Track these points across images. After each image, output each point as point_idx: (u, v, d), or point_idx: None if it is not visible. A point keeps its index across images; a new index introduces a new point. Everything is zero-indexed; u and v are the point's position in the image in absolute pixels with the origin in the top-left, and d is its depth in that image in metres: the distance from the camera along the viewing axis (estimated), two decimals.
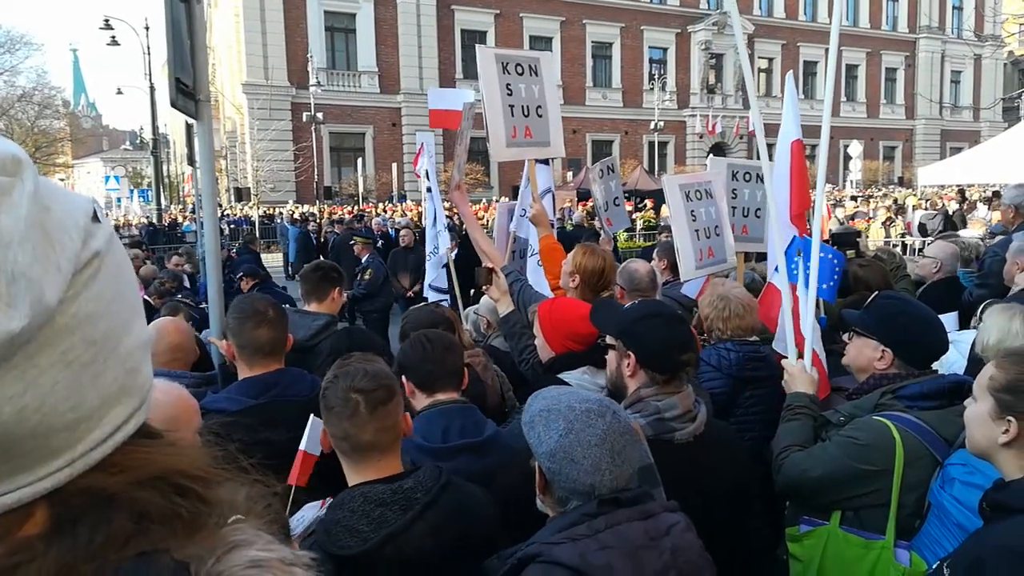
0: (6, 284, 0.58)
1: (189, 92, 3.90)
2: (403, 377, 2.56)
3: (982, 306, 4.37)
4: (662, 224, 16.27)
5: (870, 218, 16.22)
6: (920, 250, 13.63)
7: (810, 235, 3.82)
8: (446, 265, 6.94)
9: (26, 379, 0.60)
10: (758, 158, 3.86)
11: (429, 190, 7.38)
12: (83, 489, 0.66)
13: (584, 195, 20.51)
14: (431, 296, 6.76)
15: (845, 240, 6.35)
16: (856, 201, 18.42)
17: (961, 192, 23.05)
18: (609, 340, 2.57)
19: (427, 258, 7.05)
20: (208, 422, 1.87)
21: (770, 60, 50.44)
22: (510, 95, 4.57)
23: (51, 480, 0.64)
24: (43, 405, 0.62)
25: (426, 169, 7.54)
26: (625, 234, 17.79)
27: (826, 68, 3.24)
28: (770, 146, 3.26)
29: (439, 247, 6.91)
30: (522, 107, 4.64)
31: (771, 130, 3.85)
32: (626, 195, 25.90)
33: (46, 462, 0.64)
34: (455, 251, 10.36)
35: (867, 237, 12.15)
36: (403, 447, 2.33)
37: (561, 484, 1.73)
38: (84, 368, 0.65)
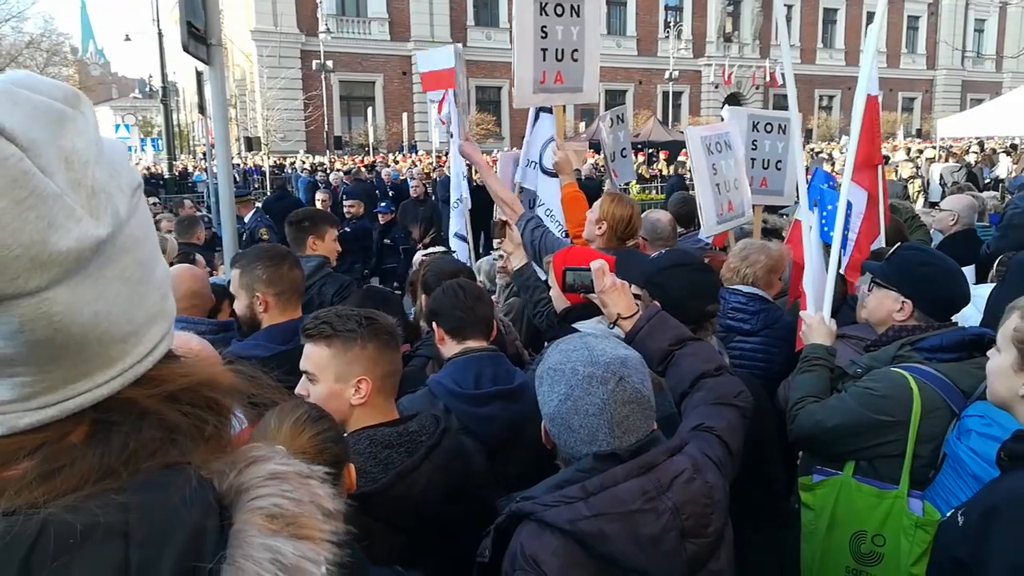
0: (87, 197, 0.66)
1: (200, 36, 3.85)
2: (434, 323, 2.58)
3: (998, 260, 4.33)
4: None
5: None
6: (936, 204, 13.42)
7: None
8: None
9: (98, 287, 0.67)
10: (775, 108, 3.78)
11: (452, 135, 7.24)
12: (123, 401, 0.72)
13: (596, 146, 20.30)
14: (455, 245, 6.70)
15: None
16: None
17: (980, 144, 22.65)
18: (635, 290, 2.56)
19: (453, 206, 6.91)
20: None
21: (789, 7, 49.14)
22: (544, 38, 4.40)
23: (107, 388, 0.71)
24: (110, 313, 0.69)
25: (449, 115, 7.38)
26: (638, 186, 17.63)
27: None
28: (786, 96, 3.20)
29: (463, 196, 6.83)
30: (557, 51, 4.47)
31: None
32: (639, 146, 25.61)
33: (103, 370, 0.70)
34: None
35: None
36: (435, 392, 2.38)
37: (561, 448, 1.70)
38: (136, 286, 0.72)
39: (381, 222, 10.26)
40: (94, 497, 0.65)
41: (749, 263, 3.47)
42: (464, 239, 6.74)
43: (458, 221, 6.84)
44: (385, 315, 2.10)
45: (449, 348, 2.54)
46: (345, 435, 1.94)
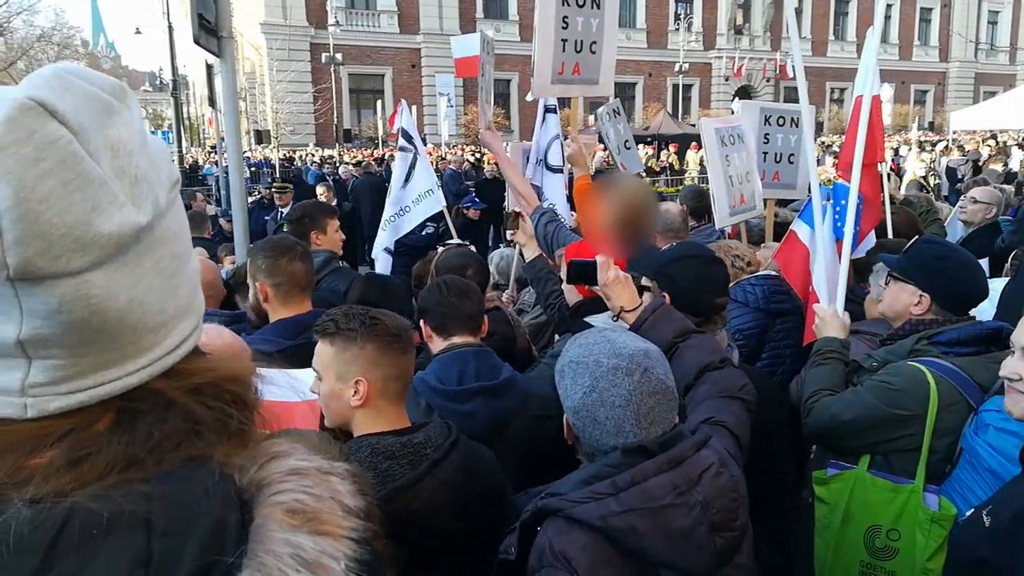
0: (130, 185, 0.67)
1: (211, 28, 3.85)
2: (422, 320, 2.57)
3: (1013, 254, 4.29)
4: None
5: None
6: (946, 197, 13.32)
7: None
8: (439, 223, 6.54)
9: (135, 274, 0.68)
10: (786, 101, 3.75)
11: (403, 149, 6.80)
12: (150, 392, 0.73)
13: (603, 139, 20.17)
14: (382, 259, 6.36)
15: None
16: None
17: (994, 137, 22.47)
18: (645, 282, 2.55)
19: (389, 220, 6.48)
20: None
21: None
22: (565, 28, 4.33)
23: (135, 377, 0.71)
24: (144, 302, 0.70)
25: (402, 128, 7.08)
26: (648, 179, 17.55)
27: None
28: (796, 89, 3.18)
29: (409, 209, 6.48)
30: (576, 42, 4.41)
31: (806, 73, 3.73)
32: (649, 139, 25.43)
33: (133, 359, 0.71)
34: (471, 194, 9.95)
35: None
36: (418, 389, 2.33)
37: (585, 441, 1.68)
38: (169, 278, 0.73)
39: (475, 218, 9.90)
40: (119, 486, 0.66)
41: (739, 254, 3.48)
42: (391, 253, 6.45)
43: (389, 236, 6.48)
44: (396, 316, 2.01)
45: (436, 345, 2.53)
46: (349, 440, 1.89)
